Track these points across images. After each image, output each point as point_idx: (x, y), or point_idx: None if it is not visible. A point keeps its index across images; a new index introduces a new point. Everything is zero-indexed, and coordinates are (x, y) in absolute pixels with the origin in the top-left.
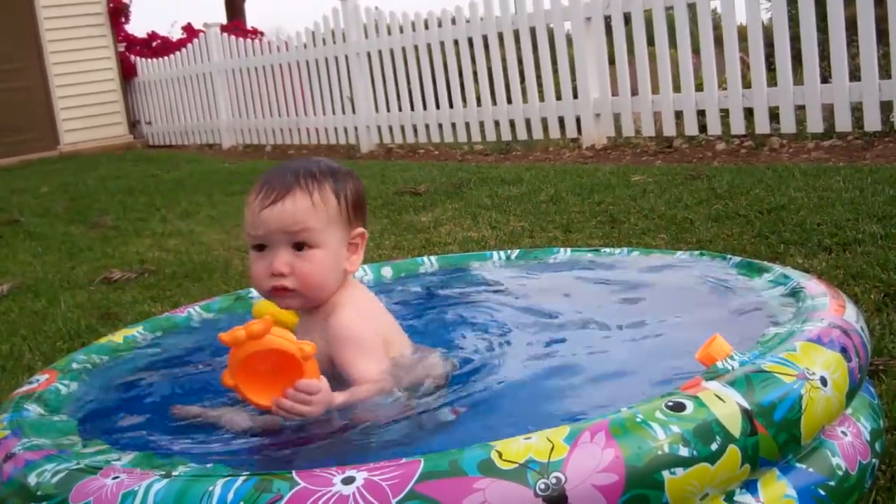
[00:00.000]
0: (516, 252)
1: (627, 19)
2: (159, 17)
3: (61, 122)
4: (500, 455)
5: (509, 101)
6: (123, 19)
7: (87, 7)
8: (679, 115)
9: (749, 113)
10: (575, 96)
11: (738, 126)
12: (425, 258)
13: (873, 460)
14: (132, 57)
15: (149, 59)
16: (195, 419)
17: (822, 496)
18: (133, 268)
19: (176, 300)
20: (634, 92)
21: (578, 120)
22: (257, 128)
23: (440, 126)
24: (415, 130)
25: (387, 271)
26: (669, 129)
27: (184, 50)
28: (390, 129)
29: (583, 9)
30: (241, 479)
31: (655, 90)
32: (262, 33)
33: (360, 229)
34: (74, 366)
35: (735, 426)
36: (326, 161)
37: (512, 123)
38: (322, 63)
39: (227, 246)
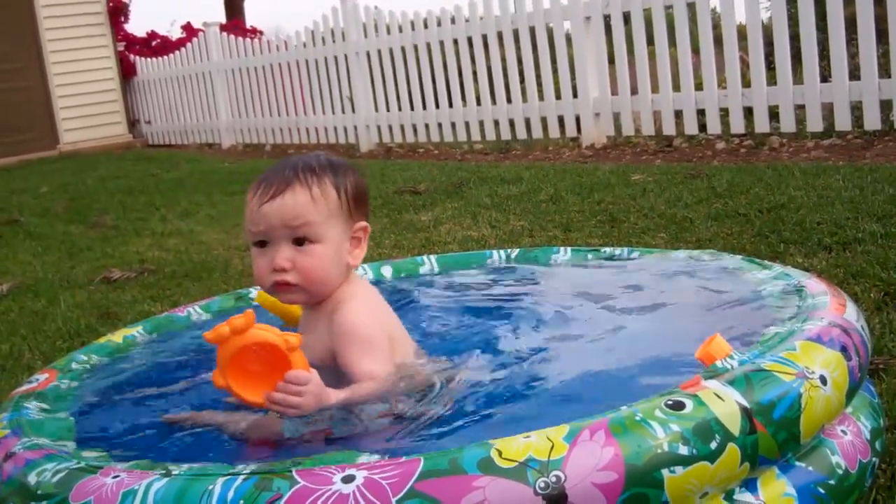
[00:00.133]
0: (516, 251)
1: (627, 18)
2: (159, 17)
3: (61, 122)
4: (500, 453)
5: (509, 100)
6: (123, 19)
7: (87, 6)
8: (679, 115)
9: (749, 112)
10: (574, 95)
11: (737, 125)
12: (425, 257)
13: (873, 459)
14: (132, 56)
15: (148, 59)
16: (186, 423)
17: (821, 495)
18: (133, 267)
19: (176, 300)
20: (634, 91)
21: (578, 119)
22: (257, 127)
23: (440, 125)
24: (414, 130)
25: (386, 270)
26: (669, 129)
27: (183, 49)
28: (390, 128)
29: (582, 8)
30: (241, 477)
31: (655, 89)
32: (261, 32)
33: (362, 223)
34: (74, 365)
35: (734, 425)
36: (326, 155)
37: (511, 123)
38: (321, 62)
39: (226, 245)
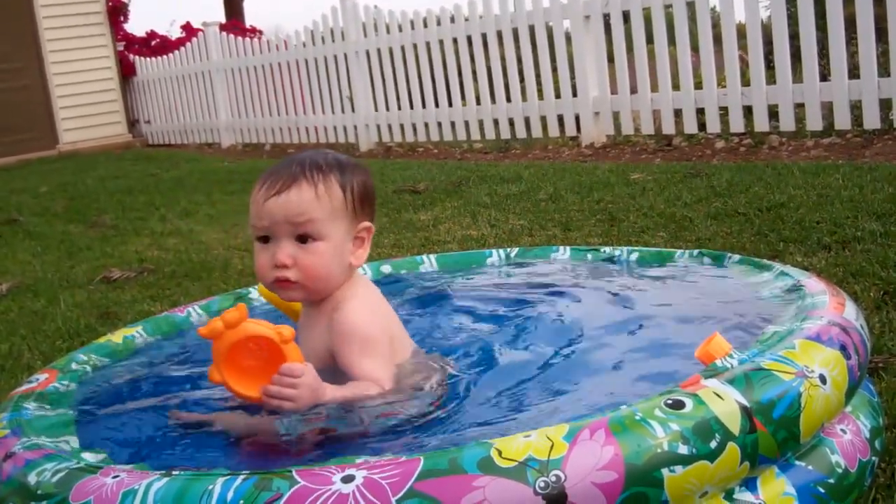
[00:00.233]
0: (515, 250)
1: (626, 17)
2: (158, 16)
3: (60, 122)
4: (500, 453)
5: (508, 99)
6: (122, 18)
7: (86, 6)
8: (678, 114)
9: (748, 111)
10: (574, 94)
11: (737, 124)
12: (424, 256)
13: (873, 458)
14: (131, 56)
15: (148, 58)
16: (189, 421)
17: (821, 494)
18: (132, 267)
19: (175, 299)
20: (633, 90)
21: (577, 118)
22: (256, 127)
23: (439, 125)
24: (414, 129)
25: (386, 269)
26: (668, 128)
27: (183, 49)
28: (389, 127)
29: (582, 7)
30: (241, 477)
31: (654, 88)
32: (260, 32)
33: (367, 223)
34: (74, 365)
35: (734, 424)
36: (334, 154)
37: (511, 122)
38: (321, 62)
39: (226, 245)
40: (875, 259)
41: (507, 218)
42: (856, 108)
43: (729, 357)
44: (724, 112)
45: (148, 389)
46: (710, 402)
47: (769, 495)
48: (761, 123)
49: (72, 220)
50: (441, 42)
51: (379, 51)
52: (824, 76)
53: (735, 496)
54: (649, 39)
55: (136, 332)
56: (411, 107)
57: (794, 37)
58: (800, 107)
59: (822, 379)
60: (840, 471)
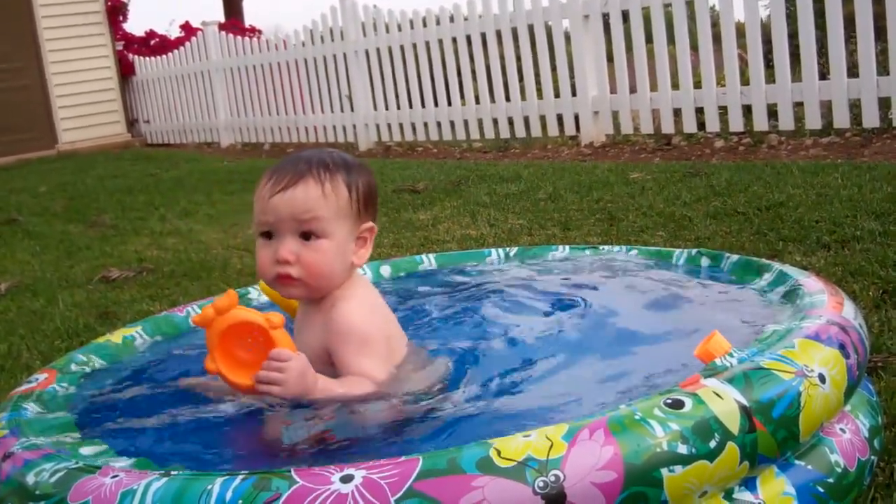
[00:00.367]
0: (514, 250)
1: (626, 17)
2: (157, 16)
3: (59, 121)
4: (499, 453)
5: (508, 98)
6: (121, 18)
7: (85, 6)
8: (677, 113)
9: (747, 110)
10: (573, 94)
11: (736, 123)
12: (424, 256)
13: (872, 457)
14: (130, 55)
15: (147, 58)
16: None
17: (820, 493)
18: (131, 267)
19: (174, 299)
20: (633, 89)
21: (577, 117)
22: (256, 126)
23: (438, 124)
24: (413, 128)
25: (385, 269)
26: (668, 127)
27: (182, 48)
28: (389, 127)
29: (581, 6)
30: (240, 477)
31: (654, 88)
32: (260, 32)
33: (370, 224)
34: (73, 366)
35: (734, 423)
36: (339, 153)
37: (510, 121)
38: (320, 61)
39: (225, 245)
40: (874, 258)
41: (507, 217)
42: (855, 107)
43: (728, 356)
44: (723, 111)
45: (147, 390)
46: (710, 402)
47: (769, 495)
48: (760, 122)
49: (71, 219)
50: (440, 41)
51: (378, 50)
52: (823, 75)
53: (734, 496)
54: (648, 39)
55: (135, 332)
56: (410, 106)
57: (794, 36)
58: (799, 106)
59: (822, 378)
60: (839, 470)
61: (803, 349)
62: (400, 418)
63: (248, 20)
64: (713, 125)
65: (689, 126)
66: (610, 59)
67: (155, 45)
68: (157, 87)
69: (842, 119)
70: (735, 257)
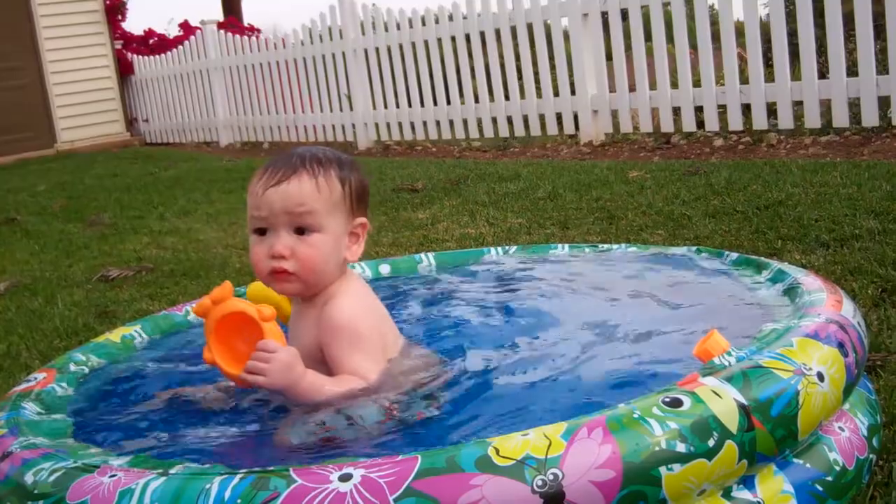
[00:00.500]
0: (513, 248)
1: (625, 15)
2: (156, 15)
3: (58, 121)
4: (498, 451)
5: (507, 97)
6: (120, 17)
7: (84, 4)
8: (677, 112)
9: (747, 109)
10: (572, 93)
11: (735, 122)
12: (423, 255)
13: (870, 456)
14: (129, 54)
15: (146, 57)
16: (176, 397)
17: (819, 492)
18: (130, 266)
19: (174, 298)
20: (632, 88)
21: (576, 116)
22: (255, 125)
23: (437, 123)
24: (412, 127)
25: (384, 268)
26: (667, 126)
27: (181, 47)
28: (388, 125)
29: (580, 5)
30: (238, 476)
31: (653, 86)
32: (258, 30)
33: (362, 219)
34: (72, 365)
35: (732, 422)
36: (332, 150)
37: (509, 120)
38: (319, 60)
39: (224, 243)
40: (873, 257)
41: (506, 216)
42: (854, 106)
43: (727, 354)
44: (722, 110)
45: (146, 389)
46: (708, 400)
47: (767, 493)
48: (760, 121)
49: (70, 218)
50: (439, 40)
51: (377, 49)
52: (823, 74)
53: (733, 494)
54: (648, 37)
55: (134, 332)
56: (409, 105)
57: (793, 34)
58: (798, 104)
59: (820, 377)
60: (838, 468)
61: (802, 348)
62: (396, 416)
63: (247, 19)
64: (712, 124)
65: (689, 125)
66: (609, 57)
67: (154, 44)
68: (156, 86)
69: (841, 118)
70: (734, 255)
